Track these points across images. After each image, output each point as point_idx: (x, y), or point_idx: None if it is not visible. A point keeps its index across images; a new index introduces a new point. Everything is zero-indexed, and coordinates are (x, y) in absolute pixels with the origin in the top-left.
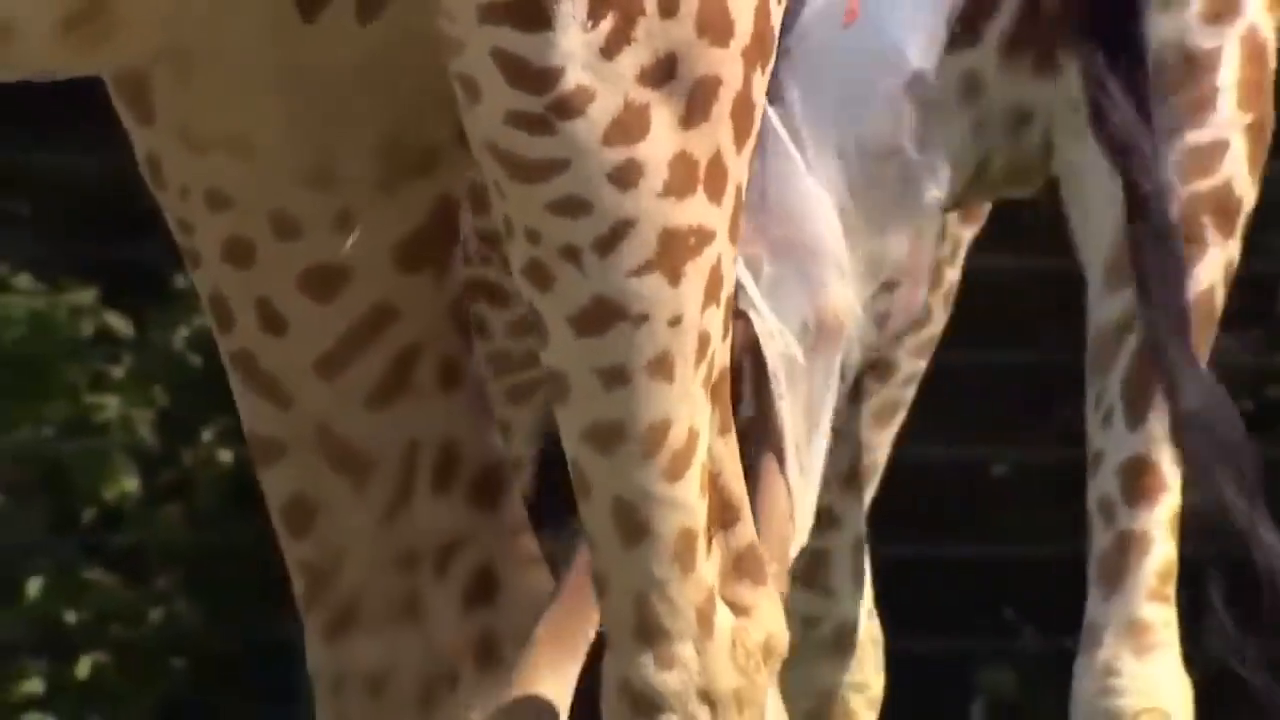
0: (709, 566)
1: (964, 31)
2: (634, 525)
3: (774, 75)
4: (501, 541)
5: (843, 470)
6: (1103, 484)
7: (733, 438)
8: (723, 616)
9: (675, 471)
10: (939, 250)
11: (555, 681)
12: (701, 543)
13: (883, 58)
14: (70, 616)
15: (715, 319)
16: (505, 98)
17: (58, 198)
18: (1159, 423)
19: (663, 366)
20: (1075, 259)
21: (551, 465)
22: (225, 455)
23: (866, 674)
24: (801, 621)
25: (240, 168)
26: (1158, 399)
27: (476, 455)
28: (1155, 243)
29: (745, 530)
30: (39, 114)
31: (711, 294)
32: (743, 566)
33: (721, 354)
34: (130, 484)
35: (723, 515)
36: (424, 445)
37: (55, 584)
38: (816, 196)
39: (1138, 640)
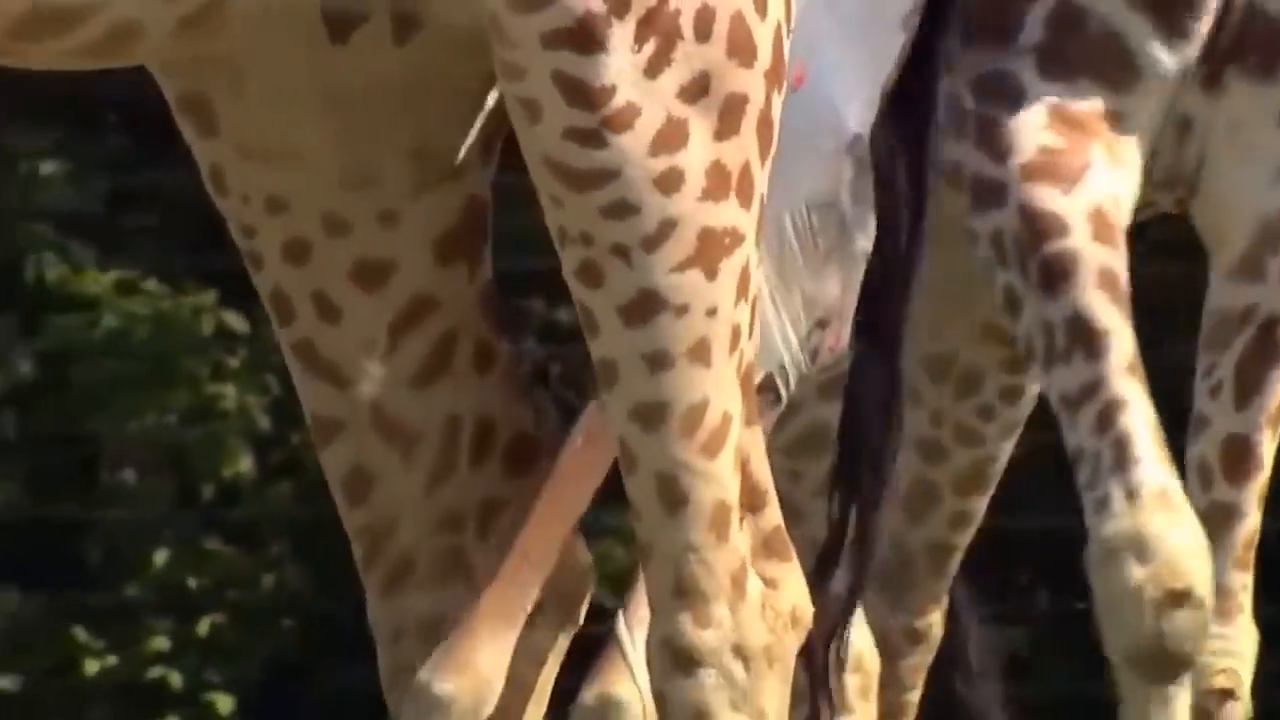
0: (741, 538)
1: (1178, 32)
2: (674, 496)
3: None
4: None
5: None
6: (1205, 450)
7: (758, 430)
8: (753, 582)
9: (712, 449)
10: None
11: (494, 649)
12: (735, 516)
13: (826, 121)
14: (192, 582)
15: (745, 314)
16: (564, 116)
17: (181, 212)
18: (1261, 410)
19: (701, 353)
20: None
21: None
22: None
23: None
24: None
25: (292, 175)
26: (1266, 388)
27: (510, 429)
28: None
29: (772, 513)
30: (165, 137)
31: (742, 291)
32: (770, 546)
33: (749, 349)
34: (245, 464)
35: (750, 499)
36: (463, 420)
37: (179, 554)
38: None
39: (1221, 604)
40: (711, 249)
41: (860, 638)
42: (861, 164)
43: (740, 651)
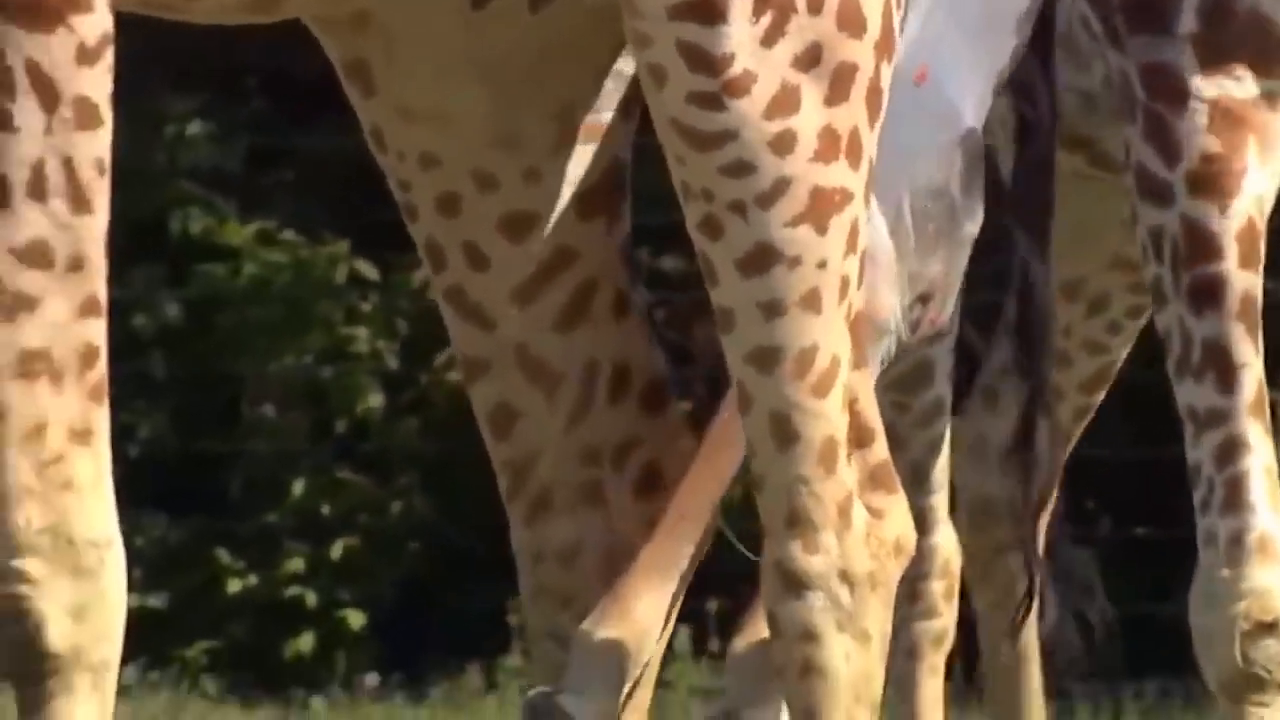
0: (849, 472)
1: None
2: (786, 433)
3: None
4: (666, 443)
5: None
6: None
7: (867, 372)
8: (859, 512)
9: (821, 389)
10: None
11: (652, 601)
12: (842, 451)
13: (945, 116)
14: (325, 509)
15: (854, 266)
16: (687, 81)
17: (315, 169)
18: None
19: (812, 302)
20: None
21: None
22: (454, 376)
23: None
24: None
25: (444, 134)
26: None
27: (645, 372)
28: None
29: (879, 449)
30: (300, 102)
31: (851, 245)
32: (877, 479)
33: (858, 299)
34: (376, 400)
35: (859, 436)
36: (602, 363)
37: (314, 483)
38: (876, 221)
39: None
40: (822, 206)
41: (945, 542)
42: (973, 156)
43: (846, 576)
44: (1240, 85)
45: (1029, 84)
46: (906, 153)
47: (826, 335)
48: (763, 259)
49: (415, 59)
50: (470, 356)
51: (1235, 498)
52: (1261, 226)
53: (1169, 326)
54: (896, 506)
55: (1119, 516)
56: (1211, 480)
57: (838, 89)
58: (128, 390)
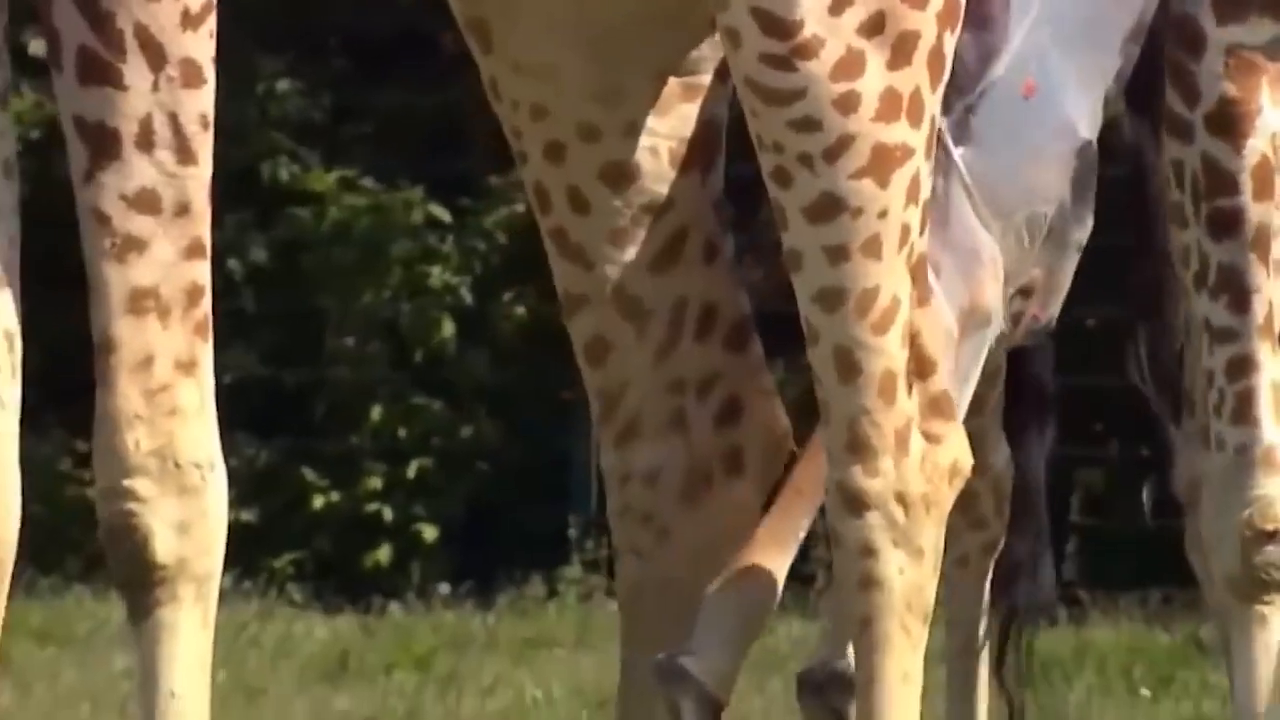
0: (908, 402)
1: None
2: (849, 366)
3: (961, 125)
4: (747, 378)
5: None
6: None
7: (930, 309)
8: (916, 440)
9: (882, 327)
10: None
11: (774, 559)
12: (902, 383)
13: (1062, 129)
14: (402, 432)
15: (914, 216)
16: (759, 43)
17: (393, 122)
18: None
19: (874, 248)
20: None
21: None
22: (520, 310)
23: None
24: None
25: (552, 88)
26: None
27: (730, 312)
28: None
29: (939, 380)
30: (379, 60)
31: (912, 196)
32: (936, 407)
33: (920, 244)
34: (449, 332)
35: (920, 368)
36: (690, 303)
37: (391, 409)
38: (978, 224)
39: None
40: (884, 161)
41: (997, 460)
42: (1087, 167)
43: (901, 498)
44: (1254, 33)
45: None
46: (1029, 166)
47: (887, 278)
48: (828, 208)
49: (529, 19)
50: (570, 292)
51: (1244, 411)
52: (1275, 161)
53: (1189, 246)
54: (954, 433)
55: (1124, 438)
56: (1223, 391)
57: (900, 54)
58: (221, 325)
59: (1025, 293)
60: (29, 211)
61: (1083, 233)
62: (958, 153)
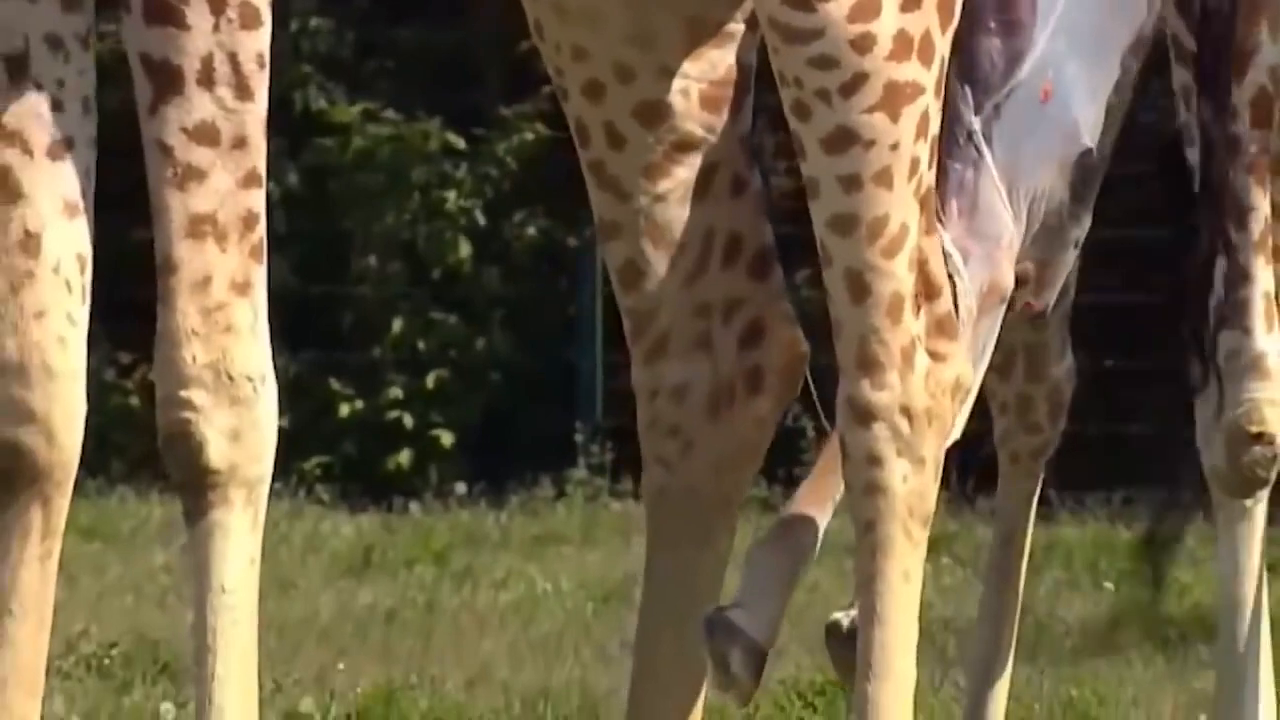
0: (914, 322)
1: None
2: (860, 287)
3: (989, 122)
4: (769, 304)
5: None
6: None
7: (937, 238)
8: (921, 357)
9: (890, 252)
10: None
11: (813, 518)
12: (908, 304)
13: (1068, 135)
14: (421, 345)
15: (924, 149)
16: None
17: (412, 58)
18: None
19: (885, 178)
20: None
21: None
22: (531, 231)
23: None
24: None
25: (593, 31)
26: None
27: (754, 243)
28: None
29: (944, 302)
30: (401, 2)
31: (921, 131)
32: (941, 327)
33: (928, 176)
34: (464, 252)
35: (927, 290)
36: (717, 233)
37: (411, 322)
38: (1004, 214)
39: None
40: (895, 98)
41: (1057, 371)
42: (1088, 171)
43: (906, 411)
44: None
45: None
46: (1034, 162)
47: (897, 207)
48: (842, 140)
49: None
50: (606, 220)
51: (1237, 319)
52: (1273, 90)
53: (1195, 162)
54: (956, 352)
55: (1090, 350)
56: (1221, 299)
57: None
58: None
59: (1021, 282)
60: None
61: (1080, 231)
62: (989, 153)
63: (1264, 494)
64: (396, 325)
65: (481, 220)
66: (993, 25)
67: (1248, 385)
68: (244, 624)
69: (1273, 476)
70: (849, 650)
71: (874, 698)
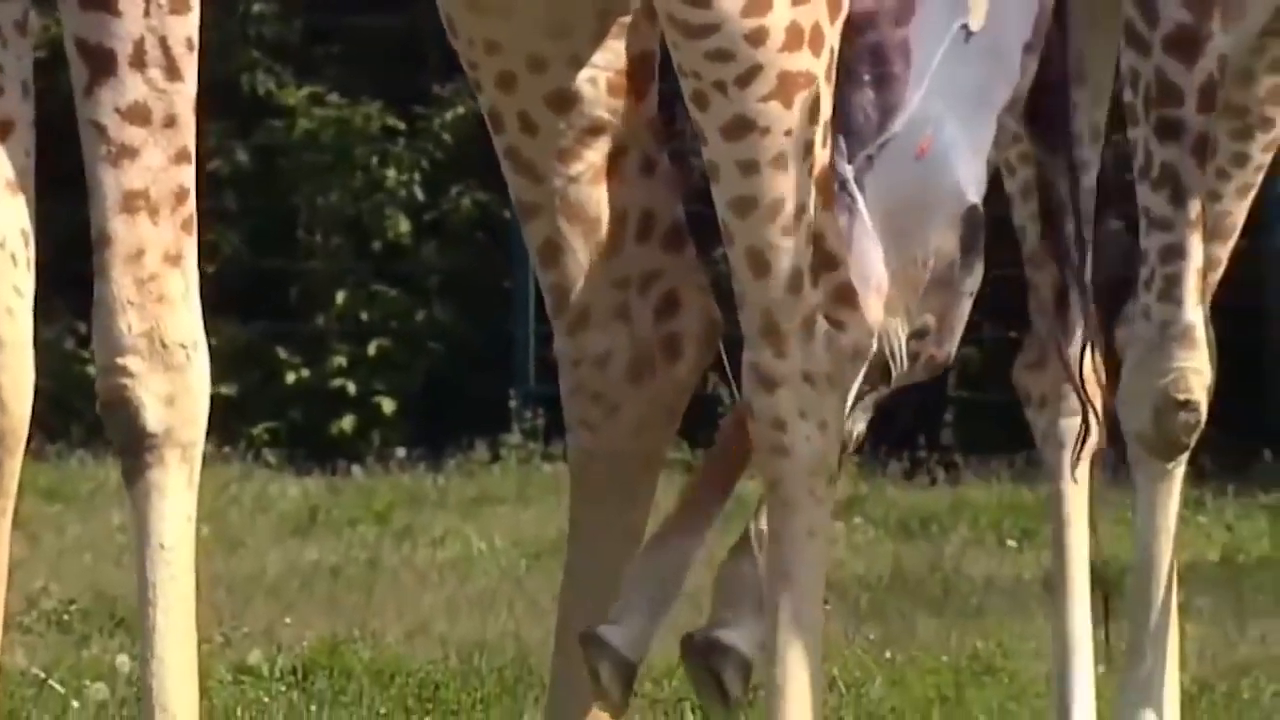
0: (813, 293)
1: None
2: (761, 264)
3: (863, 170)
4: (683, 276)
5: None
6: None
7: (833, 214)
8: (821, 325)
9: (789, 230)
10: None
11: (689, 536)
12: (807, 277)
13: (951, 192)
14: (364, 315)
15: (817, 133)
16: None
17: (356, 45)
18: None
19: (780, 162)
20: None
21: None
22: (468, 204)
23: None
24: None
25: (506, 25)
26: None
27: (666, 218)
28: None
29: (842, 273)
30: None
31: (814, 116)
32: (840, 296)
33: (822, 156)
34: (405, 225)
35: (825, 262)
36: (630, 210)
37: (354, 294)
38: (876, 259)
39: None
40: (789, 87)
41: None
42: (974, 225)
43: (808, 377)
44: None
45: (1048, 36)
46: (920, 221)
47: (793, 188)
48: (740, 128)
49: None
50: (524, 202)
51: (1170, 292)
52: (1219, 77)
53: (1137, 140)
54: (855, 318)
55: (995, 321)
56: (1154, 270)
57: None
58: (206, 220)
59: (921, 335)
60: (38, 123)
61: (973, 282)
62: (860, 196)
63: (1184, 458)
64: (340, 297)
65: (420, 195)
66: (866, 78)
67: (1177, 354)
68: (182, 578)
69: (1193, 441)
70: (703, 663)
71: (783, 647)
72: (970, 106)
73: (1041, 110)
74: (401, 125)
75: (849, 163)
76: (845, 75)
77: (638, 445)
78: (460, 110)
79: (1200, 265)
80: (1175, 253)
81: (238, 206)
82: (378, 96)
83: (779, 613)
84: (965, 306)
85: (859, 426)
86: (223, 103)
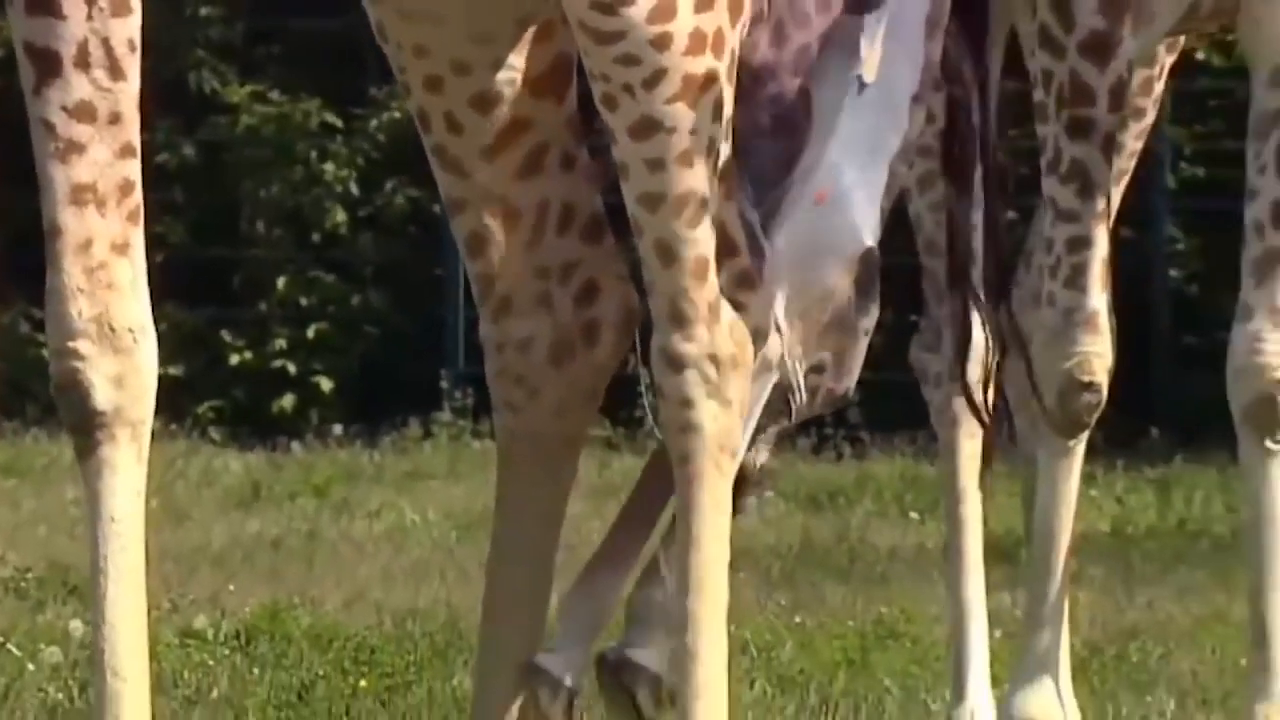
0: (716, 280)
1: None
2: (668, 254)
3: (769, 217)
4: (602, 265)
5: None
6: (1258, 212)
7: (733, 203)
8: (725, 311)
9: (694, 222)
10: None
11: (617, 572)
12: (711, 265)
13: (848, 235)
14: (303, 300)
15: (719, 130)
16: None
17: (297, 46)
18: None
19: (685, 159)
20: None
21: None
22: (401, 200)
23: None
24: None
25: (432, 31)
26: None
27: (585, 211)
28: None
29: (741, 260)
30: None
31: (717, 115)
32: (741, 280)
33: (725, 150)
34: (341, 217)
35: (727, 249)
36: (551, 203)
37: (294, 281)
38: (780, 299)
39: (1277, 318)
40: (692, 89)
41: (980, 341)
42: (870, 267)
43: (713, 359)
44: None
45: (959, 68)
46: (816, 264)
47: (698, 183)
48: (647, 128)
49: None
50: (451, 197)
51: (1076, 280)
52: (1127, 78)
53: (1046, 137)
54: (756, 300)
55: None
56: (1060, 259)
57: (704, 0)
58: (155, 211)
59: (819, 370)
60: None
61: (869, 321)
62: (766, 241)
63: (1085, 435)
64: (281, 283)
65: (356, 190)
66: (768, 127)
67: (1081, 339)
68: (132, 550)
69: (1094, 420)
70: (616, 680)
71: (692, 611)
72: (865, 154)
73: (953, 156)
74: (339, 123)
75: (756, 208)
76: (750, 124)
77: (559, 426)
78: (395, 113)
79: (1105, 255)
80: (1082, 243)
81: (184, 198)
82: (316, 94)
83: (688, 578)
84: (862, 345)
85: (761, 456)
86: (170, 100)
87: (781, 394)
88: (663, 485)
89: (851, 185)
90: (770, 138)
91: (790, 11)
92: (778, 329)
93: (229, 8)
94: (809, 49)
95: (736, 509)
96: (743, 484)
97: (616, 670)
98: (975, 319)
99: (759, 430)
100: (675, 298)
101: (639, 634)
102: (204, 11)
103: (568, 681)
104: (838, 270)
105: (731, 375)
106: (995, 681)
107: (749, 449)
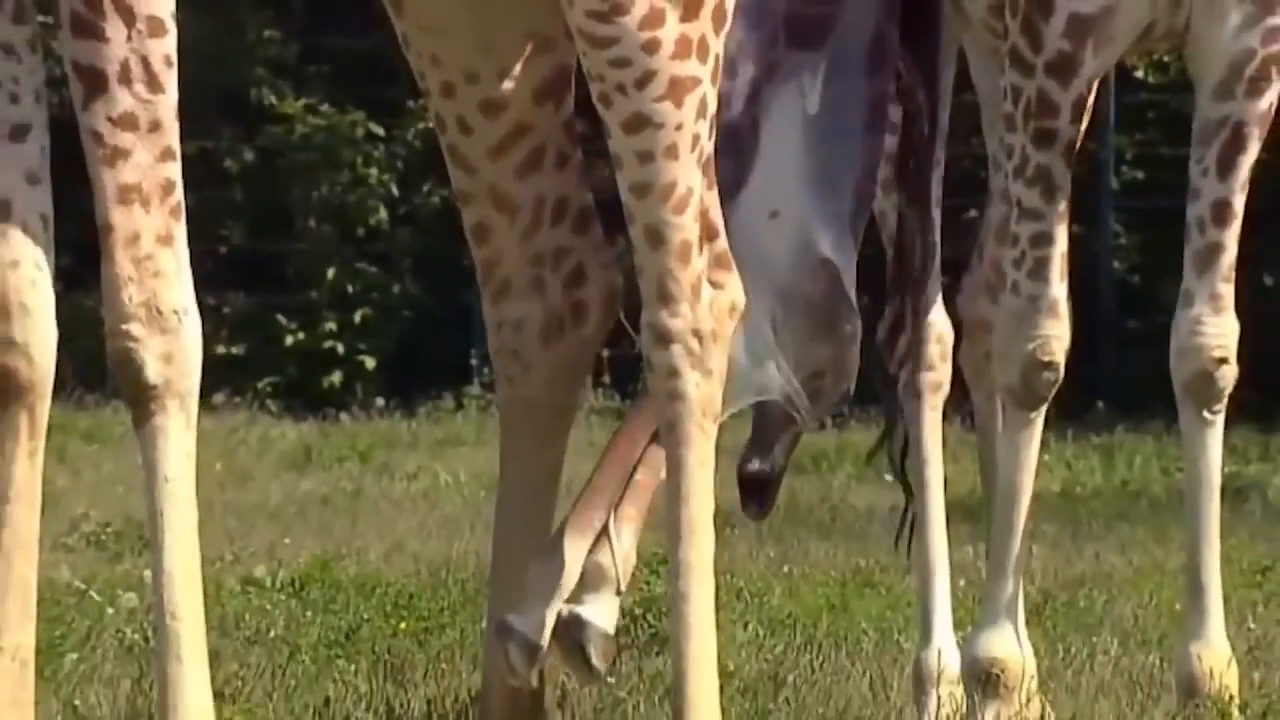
0: (700, 261)
1: None
2: (656, 238)
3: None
4: (589, 253)
5: None
6: (1200, 210)
7: (714, 192)
8: (706, 289)
9: (679, 209)
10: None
11: (578, 539)
12: (695, 248)
13: (802, 245)
14: (349, 288)
15: (703, 126)
16: (586, 3)
17: (344, 64)
18: (1238, 179)
19: (672, 152)
20: None
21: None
22: (436, 200)
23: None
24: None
25: (447, 43)
26: (1239, 166)
27: (576, 204)
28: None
29: (720, 242)
30: (335, 13)
31: (700, 113)
32: (720, 261)
33: (707, 146)
34: (383, 214)
35: (708, 233)
36: (547, 198)
37: (341, 271)
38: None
39: (1214, 304)
40: (679, 89)
41: (939, 319)
42: (833, 279)
43: (696, 333)
44: (1089, 3)
45: (912, 86)
46: (768, 268)
47: (683, 174)
48: (638, 124)
49: None
50: (460, 190)
51: (1039, 272)
52: (1088, 94)
53: (1014, 145)
54: (732, 279)
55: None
56: (1025, 253)
57: (690, 11)
58: (219, 209)
59: (819, 376)
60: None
61: (852, 327)
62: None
63: (1044, 408)
64: (330, 273)
65: (396, 191)
66: (719, 145)
67: (1044, 324)
68: (184, 505)
69: (1052, 395)
70: (568, 637)
71: (684, 558)
72: (818, 175)
73: (907, 168)
74: (381, 132)
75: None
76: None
77: (550, 395)
78: (429, 123)
79: (1065, 250)
80: (1045, 239)
81: (244, 199)
82: (361, 107)
83: (679, 529)
84: (854, 348)
85: (780, 459)
86: (232, 112)
87: (788, 405)
88: (620, 467)
89: (804, 203)
90: (722, 156)
91: (740, 48)
92: (776, 364)
93: (284, 30)
94: (757, 81)
95: (757, 516)
96: (766, 487)
97: (569, 627)
98: (920, 313)
99: (777, 440)
100: (662, 278)
101: (590, 594)
102: (266, 33)
103: (535, 639)
104: (798, 278)
105: (713, 347)
106: (959, 625)
107: (770, 455)
